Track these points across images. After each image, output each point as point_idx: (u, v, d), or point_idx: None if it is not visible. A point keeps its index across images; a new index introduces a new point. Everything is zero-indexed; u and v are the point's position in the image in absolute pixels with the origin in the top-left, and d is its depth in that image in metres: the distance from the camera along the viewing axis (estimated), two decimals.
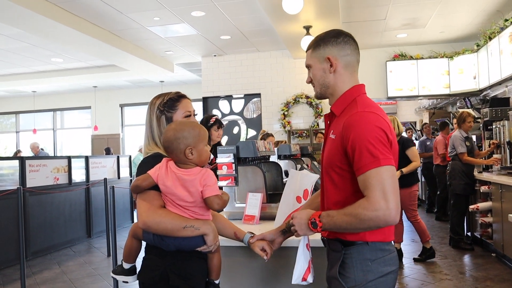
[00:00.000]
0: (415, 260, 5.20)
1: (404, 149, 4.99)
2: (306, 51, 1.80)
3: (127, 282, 1.95)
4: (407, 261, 5.17)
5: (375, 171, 1.50)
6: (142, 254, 1.90)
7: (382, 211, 1.47)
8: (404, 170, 4.95)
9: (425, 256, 5.19)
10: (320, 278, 1.82)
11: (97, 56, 8.88)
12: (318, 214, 1.62)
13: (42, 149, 11.60)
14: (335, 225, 1.57)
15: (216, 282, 1.87)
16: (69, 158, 7.31)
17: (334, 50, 1.69)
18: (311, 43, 1.77)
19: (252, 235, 1.94)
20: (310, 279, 1.72)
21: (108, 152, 11.58)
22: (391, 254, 1.66)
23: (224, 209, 2.82)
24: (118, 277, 1.96)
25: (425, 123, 9.53)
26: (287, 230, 1.86)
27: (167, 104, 1.92)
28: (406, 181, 4.97)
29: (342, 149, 1.60)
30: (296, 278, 1.71)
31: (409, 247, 5.93)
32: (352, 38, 1.74)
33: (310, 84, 1.79)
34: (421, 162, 8.51)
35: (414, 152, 5.04)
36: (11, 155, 13.20)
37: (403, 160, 4.96)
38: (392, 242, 1.71)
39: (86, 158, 7.78)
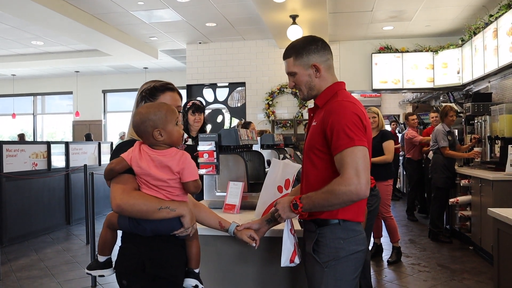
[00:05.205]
0: (389, 263, 4.93)
1: (382, 141, 4.91)
2: (286, 59, 1.92)
3: (103, 276, 1.89)
4: (386, 252, 5.19)
5: (350, 150, 1.67)
6: (118, 244, 1.85)
7: (354, 185, 1.64)
8: (372, 159, 4.84)
9: (396, 258, 4.98)
10: None
11: (79, 40, 8.67)
12: (299, 197, 1.77)
13: None
14: (313, 204, 1.73)
15: (196, 271, 1.82)
16: (48, 144, 7.16)
17: (317, 57, 1.87)
18: (290, 52, 1.90)
19: (238, 224, 1.96)
20: (297, 260, 1.86)
21: (88, 138, 11.39)
22: (361, 234, 1.83)
23: (204, 198, 2.79)
24: (93, 272, 1.90)
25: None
26: (272, 219, 1.93)
27: (149, 92, 1.91)
28: (381, 175, 4.79)
29: (322, 133, 1.78)
30: (284, 261, 1.84)
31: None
32: (324, 41, 1.92)
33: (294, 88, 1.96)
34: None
35: (389, 146, 4.89)
36: None
37: (381, 153, 4.89)
38: (362, 224, 1.86)
39: (66, 144, 7.64)
